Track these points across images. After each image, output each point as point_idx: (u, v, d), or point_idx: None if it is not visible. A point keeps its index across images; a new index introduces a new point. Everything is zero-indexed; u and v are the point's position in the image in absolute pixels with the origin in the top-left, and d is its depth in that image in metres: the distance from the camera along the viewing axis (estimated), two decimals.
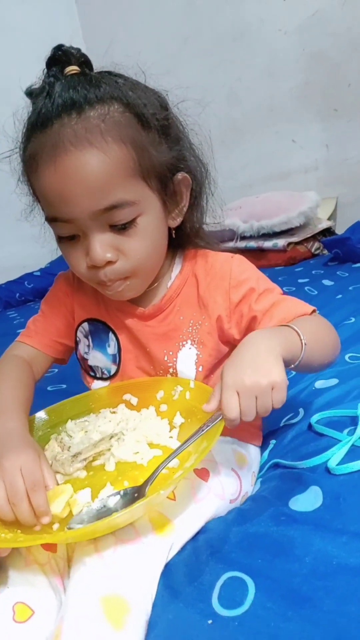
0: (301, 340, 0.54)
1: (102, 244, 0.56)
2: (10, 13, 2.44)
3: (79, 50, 0.57)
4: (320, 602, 0.42)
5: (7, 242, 2.52)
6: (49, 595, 0.47)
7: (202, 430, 0.51)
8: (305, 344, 0.54)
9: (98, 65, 0.60)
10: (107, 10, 2.55)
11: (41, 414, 0.69)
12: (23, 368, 0.69)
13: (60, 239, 0.59)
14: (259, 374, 0.48)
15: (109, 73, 0.57)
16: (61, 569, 0.51)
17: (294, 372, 0.94)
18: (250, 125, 2.35)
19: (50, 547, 0.51)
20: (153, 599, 0.46)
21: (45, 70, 0.57)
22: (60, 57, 0.56)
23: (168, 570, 0.48)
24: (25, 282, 2.46)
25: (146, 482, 0.48)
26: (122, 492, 0.48)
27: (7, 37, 2.44)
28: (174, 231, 0.64)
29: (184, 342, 0.66)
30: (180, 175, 0.60)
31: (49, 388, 1.13)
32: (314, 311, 0.64)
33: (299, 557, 0.47)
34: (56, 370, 1.16)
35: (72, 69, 0.56)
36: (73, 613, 0.42)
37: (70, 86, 0.53)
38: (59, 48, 0.56)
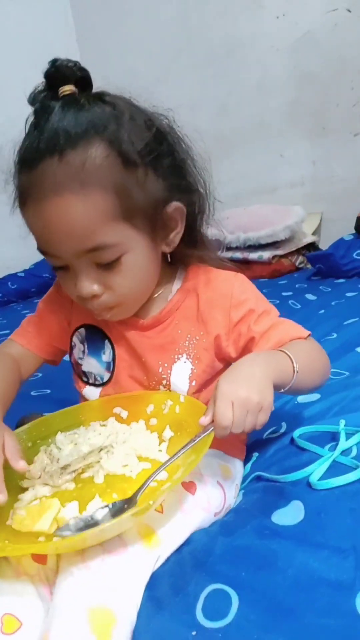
0: (294, 367, 0.57)
1: (87, 279, 0.58)
2: (5, 19, 2.43)
3: (76, 64, 0.56)
4: (301, 614, 0.43)
5: None
6: (37, 606, 0.47)
7: (193, 442, 0.52)
8: (297, 372, 0.56)
9: (92, 73, 0.59)
10: (101, 19, 2.56)
11: (29, 426, 0.68)
12: (9, 365, 0.70)
13: (53, 268, 0.61)
14: (253, 391, 0.51)
15: (101, 98, 0.56)
16: (50, 580, 0.50)
17: None
18: (239, 139, 2.39)
19: (40, 559, 0.51)
20: (138, 609, 0.46)
21: (44, 84, 0.56)
22: (54, 75, 0.55)
23: (152, 581, 0.49)
24: (9, 283, 2.44)
25: (135, 494, 0.49)
26: (110, 505, 0.49)
27: (1, 42, 2.43)
28: (168, 254, 0.65)
29: (180, 356, 0.66)
30: (171, 207, 0.60)
31: (32, 392, 1.13)
32: (309, 335, 0.66)
33: (281, 570, 0.48)
34: (40, 374, 1.16)
35: (67, 89, 0.55)
36: (59, 624, 0.42)
37: (57, 118, 0.53)
38: (53, 64, 0.55)
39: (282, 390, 0.57)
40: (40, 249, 0.59)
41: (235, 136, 2.38)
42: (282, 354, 0.58)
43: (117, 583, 0.46)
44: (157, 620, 0.45)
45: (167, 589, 0.48)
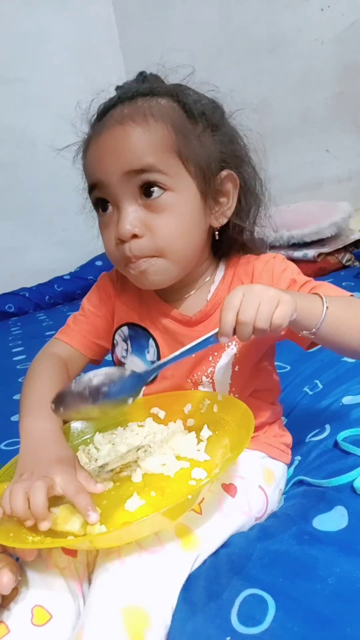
0: (323, 303, 0.55)
1: (129, 216, 0.58)
2: (51, 23, 2.50)
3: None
4: (342, 625, 0.41)
5: (38, 246, 2.58)
6: (68, 600, 0.48)
7: (191, 344, 0.53)
8: (327, 307, 0.54)
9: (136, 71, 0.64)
10: (144, 21, 2.58)
11: (70, 426, 0.69)
12: (59, 367, 0.69)
13: (99, 216, 0.63)
14: (270, 288, 0.51)
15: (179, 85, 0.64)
16: (80, 574, 0.51)
17: (320, 386, 0.92)
18: (283, 135, 2.34)
19: (70, 552, 0.51)
20: (173, 611, 0.45)
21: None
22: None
23: (188, 583, 0.48)
24: (55, 286, 2.51)
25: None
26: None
27: (47, 46, 2.50)
28: (217, 233, 0.65)
29: (229, 343, 0.65)
30: (225, 172, 0.61)
31: None
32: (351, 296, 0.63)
33: (321, 578, 0.46)
34: (82, 373, 1.17)
35: None
36: (94, 623, 0.42)
37: (131, 87, 0.62)
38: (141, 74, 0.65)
39: (314, 331, 0.55)
40: (90, 184, 0.61)
41: (278, 133, 2.33)
42: (311, 294, 0.57)
43: (153, 583, 0.45)
44: (191, 623, 0.44)
45: (202, 592, 0.47)
